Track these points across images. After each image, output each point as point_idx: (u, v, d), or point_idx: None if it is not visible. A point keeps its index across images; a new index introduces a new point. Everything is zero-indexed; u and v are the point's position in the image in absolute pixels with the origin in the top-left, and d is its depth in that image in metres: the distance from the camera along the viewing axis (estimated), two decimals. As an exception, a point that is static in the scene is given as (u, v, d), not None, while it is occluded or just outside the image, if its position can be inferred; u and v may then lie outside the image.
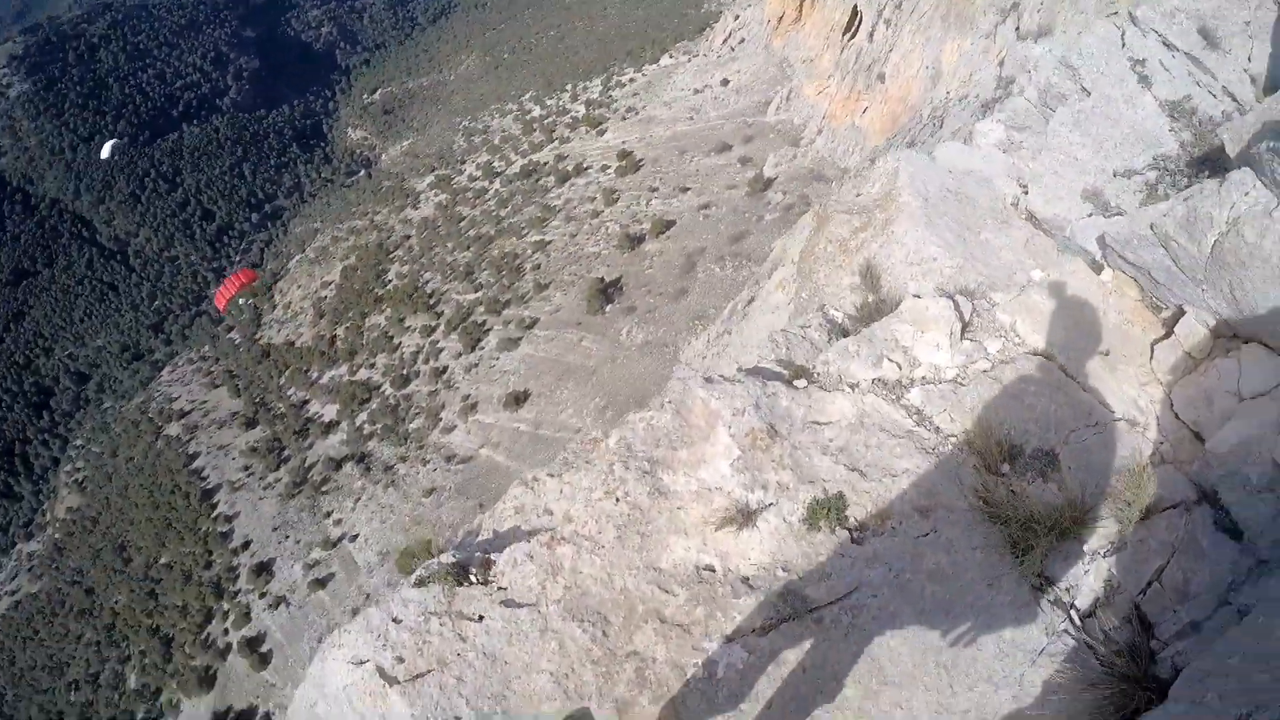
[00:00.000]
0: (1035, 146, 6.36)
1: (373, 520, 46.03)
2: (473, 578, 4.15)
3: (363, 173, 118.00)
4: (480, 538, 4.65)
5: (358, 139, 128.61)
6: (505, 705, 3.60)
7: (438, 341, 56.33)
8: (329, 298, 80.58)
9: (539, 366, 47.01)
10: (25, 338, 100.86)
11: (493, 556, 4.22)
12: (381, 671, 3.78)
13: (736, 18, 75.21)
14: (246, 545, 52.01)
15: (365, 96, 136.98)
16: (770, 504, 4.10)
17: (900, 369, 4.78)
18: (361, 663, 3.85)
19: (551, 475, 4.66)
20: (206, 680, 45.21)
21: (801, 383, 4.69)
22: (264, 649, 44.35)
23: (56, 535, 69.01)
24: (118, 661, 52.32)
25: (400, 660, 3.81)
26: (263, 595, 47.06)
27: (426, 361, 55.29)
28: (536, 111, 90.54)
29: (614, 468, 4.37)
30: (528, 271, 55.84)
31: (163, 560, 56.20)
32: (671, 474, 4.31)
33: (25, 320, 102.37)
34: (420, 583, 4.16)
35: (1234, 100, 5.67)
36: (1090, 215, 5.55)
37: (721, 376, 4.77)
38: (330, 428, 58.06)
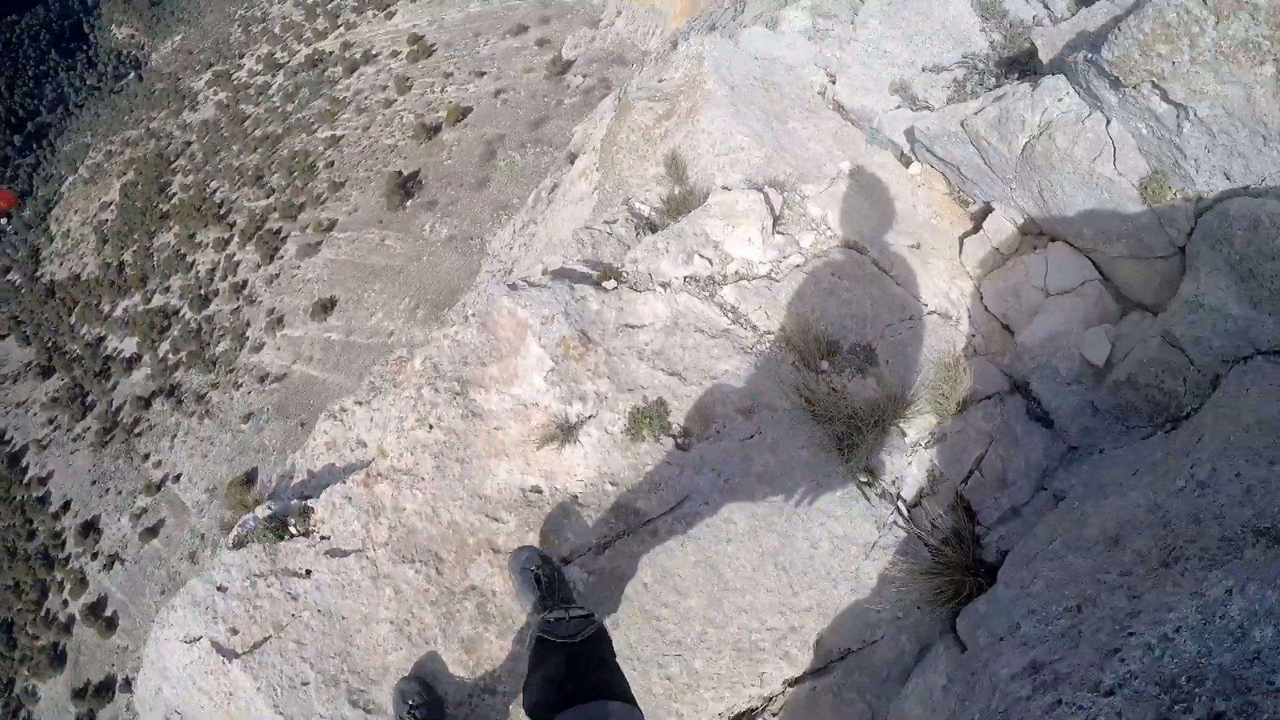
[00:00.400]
0: (843, 36, 6.04)
1: (194, 456, 43.99)
2: (293, 529, 3.79)
3: (132, 75, 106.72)
4: (295, 480, 4.27)
5: (124, 37, 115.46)
6: (351, 663, 3.41)
7: (234, 255, 52.97)
8: (110, 220, 73.93)
9: (343, 271, 45.10)
10: None
11: (310, 503, 3.84)
12: (217, 647, 3.46)
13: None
14: (67, 506, 48.92)
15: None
16: (590, 416, 3.88)
17: (712, 265, 4.57)
18: (195, 640, 3.52)
19: (359, 403, 4.31)
20: (56, 658, 42.86)
21: (611, 284, 4.37)
22: (108, 613, 42.08)
23: None
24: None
25: (234, 631, 3.50)
26: (94, 556, 44.47)
27: (224, 278, 52.05)
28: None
29: (423, 391, 3.99)
30: (321, 170, 52.81)
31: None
32: (484, 393, 3.99)
33: None
34: (239, 543, 3.77)
35: (1045, 7, 5.62)
36: (898, 108, 5.43)
37: (526, 281, 4.35)
38: (133, 363, 54.30)
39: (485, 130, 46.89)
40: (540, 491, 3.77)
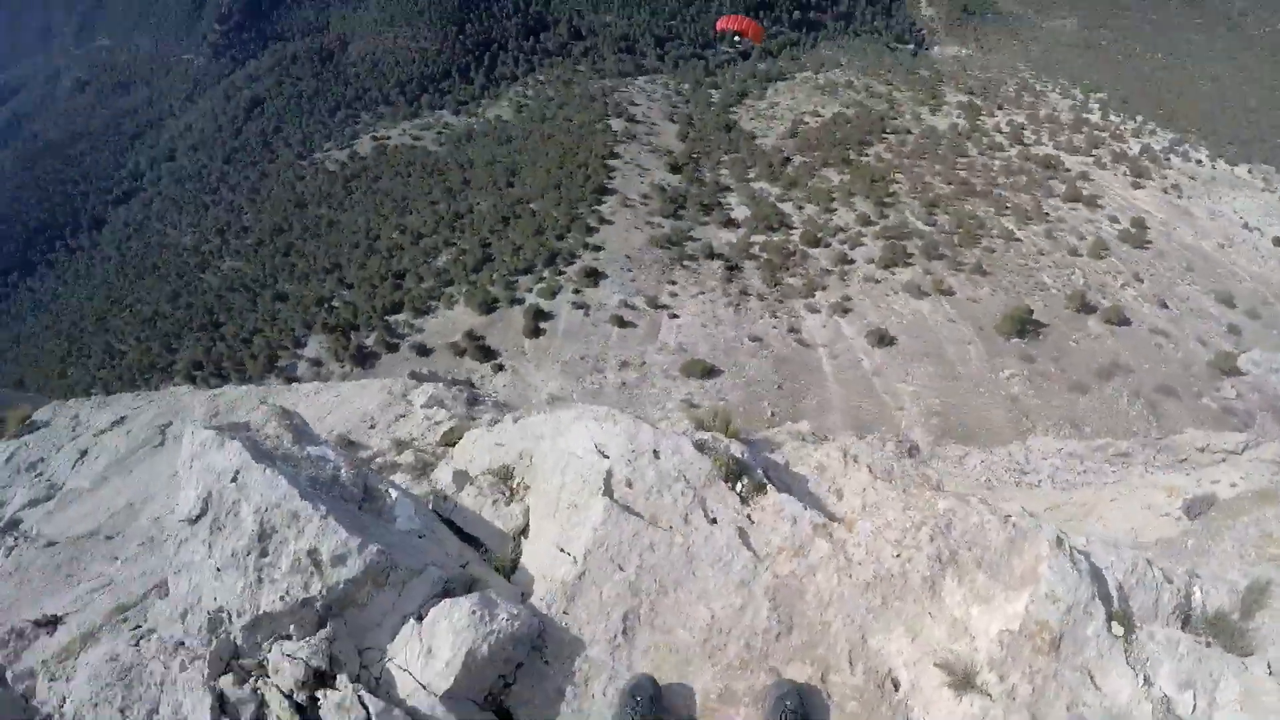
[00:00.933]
0: None
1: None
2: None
3: (911, 47, 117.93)
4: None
5: (925, 16, 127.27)
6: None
7: (861, 237, 59.22)
8: (809, 126, 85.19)
9: (907, 328, 48.44)
10: None
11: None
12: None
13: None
14: (599, 249, 60.14)
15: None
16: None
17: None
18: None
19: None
20: (487, 306, 53.54)
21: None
22: (543, 325, 51.02)
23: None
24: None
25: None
26: (576, 292, 54.09)
27: (833, 243, 58.54)
28: (1096, 118, 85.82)
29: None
30: (979, 246, 56.45)
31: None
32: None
33: None
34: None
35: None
36: None
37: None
38: (729, 224, 64.12)
39: (1137, 370, 45.90)
40: None
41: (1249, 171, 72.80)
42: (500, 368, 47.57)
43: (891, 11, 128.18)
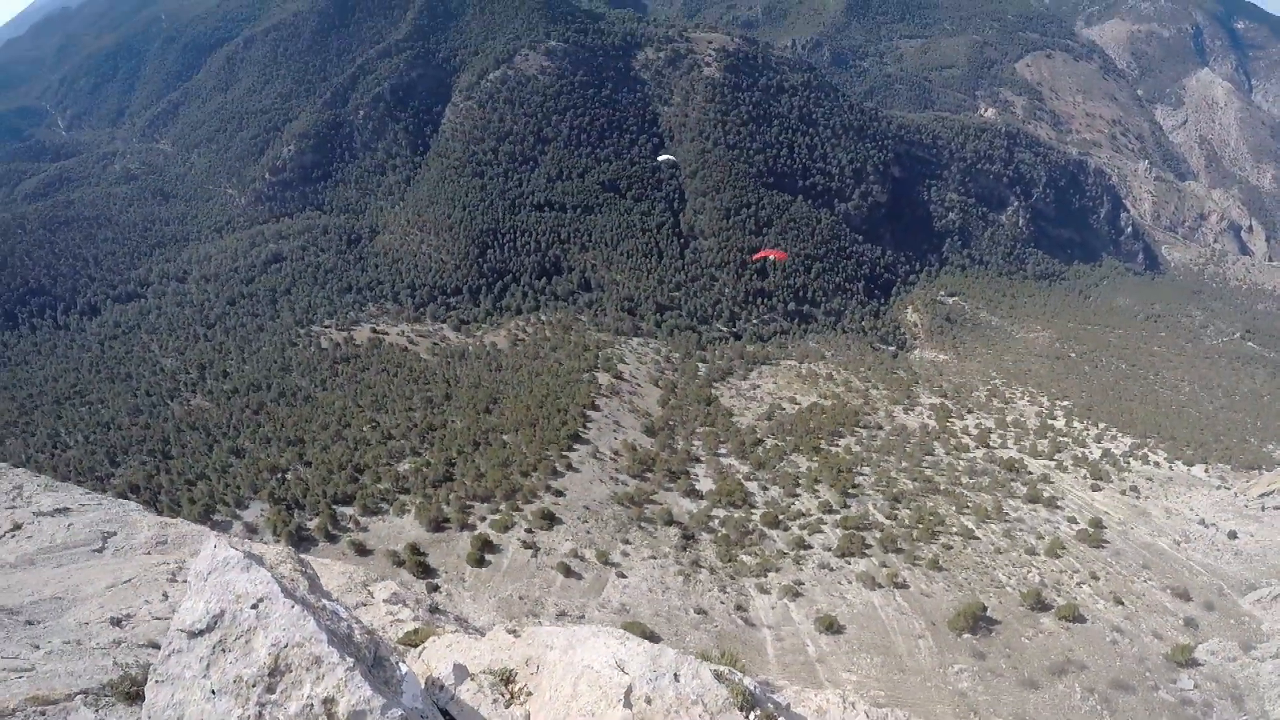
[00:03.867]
0: None
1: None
2: None
3: (892, 348, 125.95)
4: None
5: (909, 321, 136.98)
6: None
7: (821, 523, 60.57)
8: (785, 411, 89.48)
9: (857, 618, 48.53)
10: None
11: None
12: None
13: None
14: (561, 494, 61.19)
15: (942, 293, 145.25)
16: None
17: None
18: None
19: None
20: (437, 524, 53.56)
21: None
22: (488, 557, 50.87)
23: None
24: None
25: None
26: (529, 531, 54.40)
27: (792, 527, 59.93)
28: (1060, 424, 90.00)
29: None
30: (936, 543, 57.65)
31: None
32: None
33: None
34: None
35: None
36: None
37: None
38: (692, 494, 65.53)
39: (1067, 645, 45.94)
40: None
41: (1205, 471, 75.39)
42: (435, 589, 46.93)
43: (879, 314, 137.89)
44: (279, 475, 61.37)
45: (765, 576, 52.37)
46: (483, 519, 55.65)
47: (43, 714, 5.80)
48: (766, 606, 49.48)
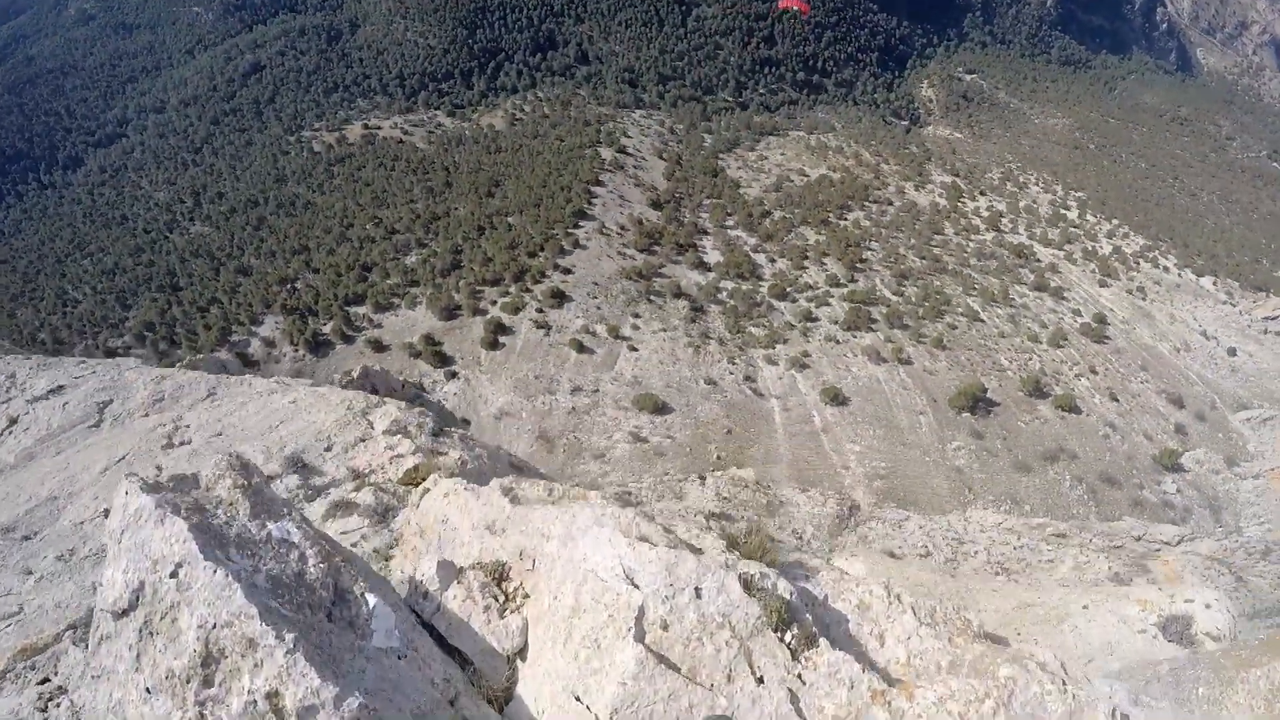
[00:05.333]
0: None
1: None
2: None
3: (905, 123, 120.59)
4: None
5: (924, 96, 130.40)
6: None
7: (828, 297, 59.76)
8: (793, 183, 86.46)
9: (861, 390, 48.93)
10: None
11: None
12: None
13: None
14: (569, 272, 60.13)
15: (960, 69, 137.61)
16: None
17: None
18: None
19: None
20: (449, 312, 53.36)
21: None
22: (501, 339, 50.78)
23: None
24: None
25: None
26: (539, 311, 53.99)
27: (800, 300, 59.12)
28: (1073, 215, 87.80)
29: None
30: (943, 320, 57.27)
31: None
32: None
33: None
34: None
35: None
36: None
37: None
38: (700, 266, 64.47)
39: (1082, 457, 46.78)
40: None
41: (1214, 284, 74.54)
42: (454, 375, 47.15)
43: (893, 87, 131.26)
44: (289, 286, 60.32)
45: (773, 348, 51.94)
46: (493, 303, 54.86)
47: (33, 667, 5.06)
48: (774, 377, 49.36)
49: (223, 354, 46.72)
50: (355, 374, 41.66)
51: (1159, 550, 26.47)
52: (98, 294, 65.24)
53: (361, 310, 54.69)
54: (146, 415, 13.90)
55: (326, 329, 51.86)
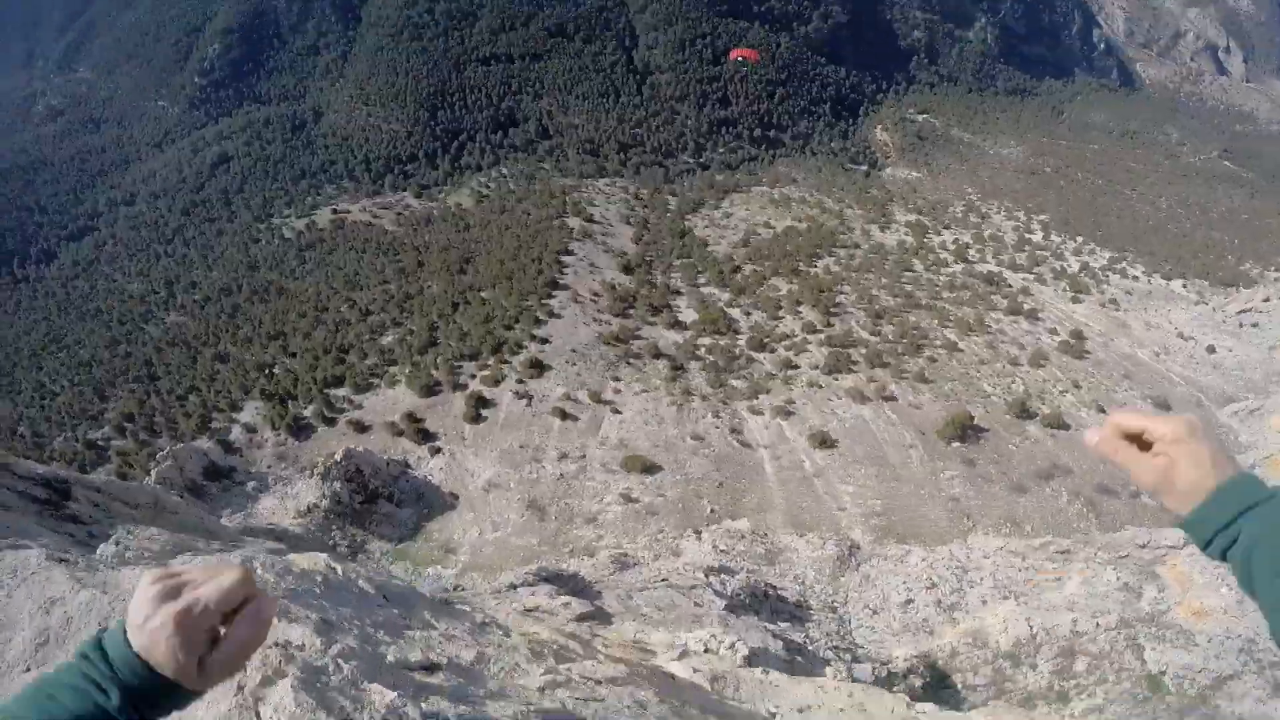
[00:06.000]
0: None
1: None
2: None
3: (864, 168, 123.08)
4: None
5: (879, 140, 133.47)
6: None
7: (806, 343, 60.01)
8: (761, 236, 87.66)
9: (849, 432, 48.88)
10: None
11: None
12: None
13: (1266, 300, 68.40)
14: (546, 342, 59.88)
15: (911, 111, 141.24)
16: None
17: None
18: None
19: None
20: (429, 389, 52.88)
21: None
22: (484, 413, 50.42)
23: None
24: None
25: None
26: (520, 382, 53.75)
27: (778, 349, 59.37)
28: (1038, 237, 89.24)
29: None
30: (921, 356, 57.51)
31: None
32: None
33: None
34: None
35: None
36: None
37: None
38: (676, 325, 64.53)
39: (1076, 471, 46.21)
40: None
41: (1184, 286, 75.60)
42: (438, 450, 46.77)
43: (848, 134, 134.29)
44: (266, 371, 59.82)
45: (756, 399, 51.95)
46: (473, 377, 54.47)
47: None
48: (760, 427, 49.26)
49: (203, 442, 46.35)
50: (338, 456, 41.42)
51: (1165, 555, 26.13)
52: (75, 386, 64.74)
53: (341, 392, 54.23)
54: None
55: (307, 412, 51.22)
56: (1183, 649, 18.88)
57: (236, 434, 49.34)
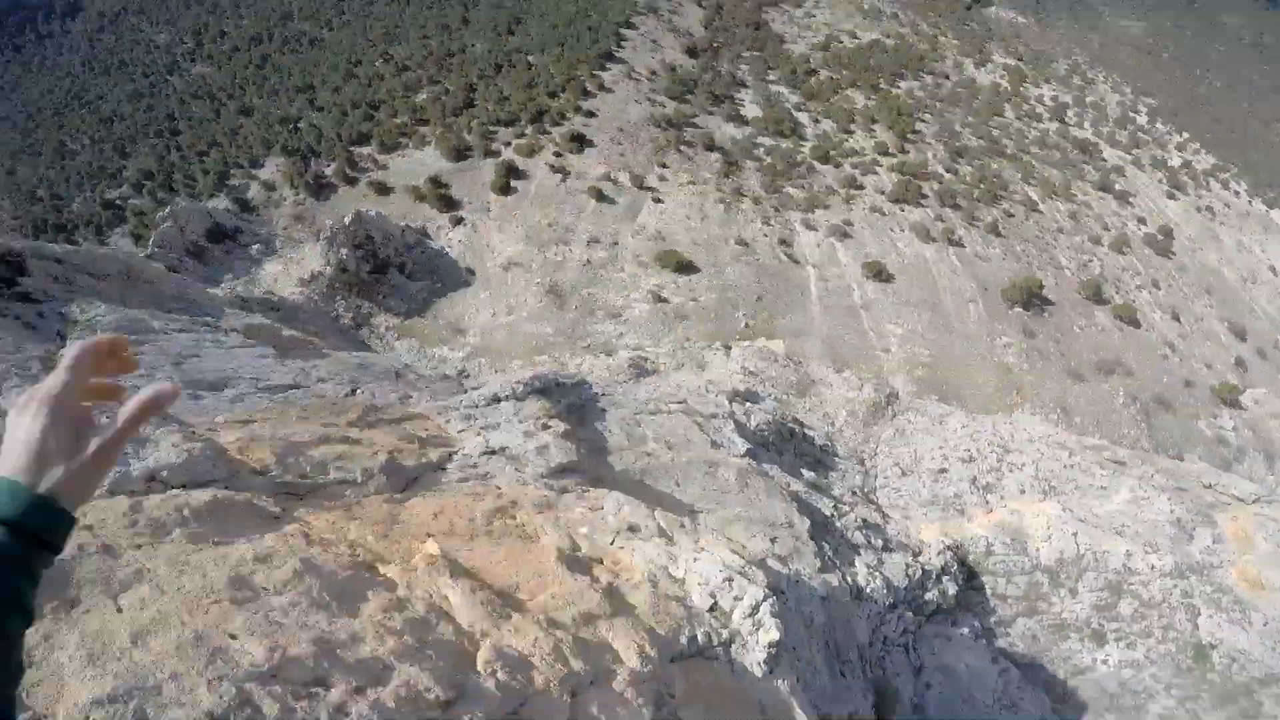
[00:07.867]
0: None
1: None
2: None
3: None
4: None
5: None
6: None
7: (876, 165, 53.52)
8: (843, 45, 78.46)
9: (907, 269, 43.70)
10: None
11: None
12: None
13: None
14: (592, 115, 53.75)
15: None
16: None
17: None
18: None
19: None
20: (459, 153, 47.83)
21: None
22: (514, 184, 45.71)
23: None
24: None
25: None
26: (557, 155, 48.59)
27: (845, 165, 52.91)
28: (1143, 119, 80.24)
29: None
30: (999, 204, 51.44)
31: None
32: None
33: None
34: None
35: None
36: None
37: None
38: (736, 119, 57.82)
39: (1138, 374, 41.86)
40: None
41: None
42: (460, 221, 41.94)
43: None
44: (291, 126, 54.61)
45: (812, 212, 46.12)
46: (507, 144, 49.09)
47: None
48: (812, 244, 43.81)
49: (218, 201, 42.53)
50: (347, 220, 36.53)
51: (1229, 505, 22.45)
52: (96, 143, 59.92)
53: (366, 150, 48.82)
54: None
55: (329, 170, 46.20)
56: (1239, 626, 16.71)
57: (255, 191, 44.75)
